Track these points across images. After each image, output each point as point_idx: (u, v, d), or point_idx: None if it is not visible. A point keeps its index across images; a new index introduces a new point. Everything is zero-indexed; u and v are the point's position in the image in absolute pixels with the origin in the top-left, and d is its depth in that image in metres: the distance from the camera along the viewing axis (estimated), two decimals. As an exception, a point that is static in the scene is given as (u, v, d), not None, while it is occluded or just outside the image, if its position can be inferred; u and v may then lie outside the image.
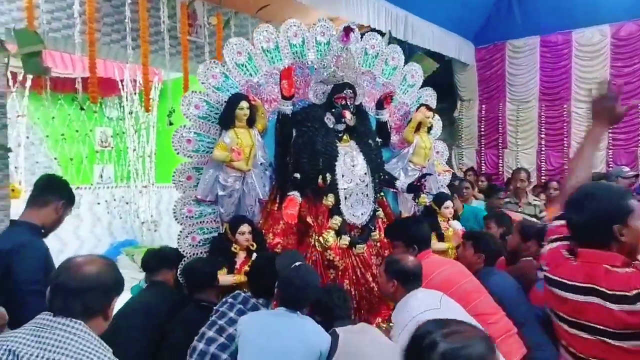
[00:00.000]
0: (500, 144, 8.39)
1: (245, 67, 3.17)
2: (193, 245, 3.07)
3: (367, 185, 3.20)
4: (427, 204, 3.70)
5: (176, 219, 3.04)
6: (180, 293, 2.91)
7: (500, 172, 8.29)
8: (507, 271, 3.06)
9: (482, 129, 8.58)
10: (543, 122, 7.97)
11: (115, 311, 1.61)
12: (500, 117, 8.34)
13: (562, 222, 1.69)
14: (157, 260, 2.96)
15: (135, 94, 6.81)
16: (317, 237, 3.03)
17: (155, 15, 4.60)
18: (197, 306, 2.58)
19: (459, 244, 3.28)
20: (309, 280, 2.22)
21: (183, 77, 4.71)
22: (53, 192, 2.34)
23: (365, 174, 3.19)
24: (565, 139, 7.78)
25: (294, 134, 3.16)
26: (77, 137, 7.70)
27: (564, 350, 1.63)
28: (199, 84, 3.11)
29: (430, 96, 4.02)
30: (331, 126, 3.15)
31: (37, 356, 1.29)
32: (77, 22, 3.89)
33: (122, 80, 6.53)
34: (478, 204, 5.16)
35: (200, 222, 3.10)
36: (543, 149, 8.01)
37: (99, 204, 7.92)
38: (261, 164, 3.16)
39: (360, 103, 3.38)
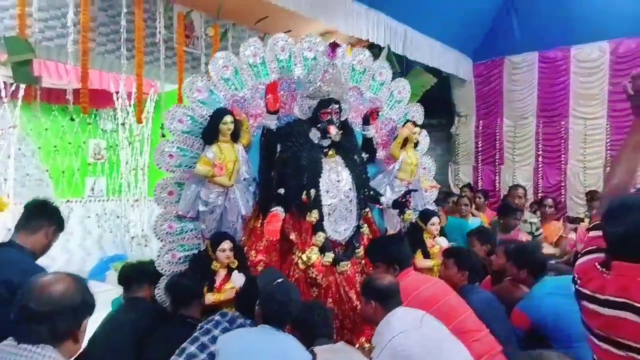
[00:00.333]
0: (497, 161, 8.34)
1: (231, 81, 3.13)
2: (173, 263, 2.98)
3: (351, 201, 3.17)
4: (413, 220, 3.67)
5: (156, 235, 2.96)
6: (160, 309, 2.82)
7: (497, 189, 8.22)
8: (491, 291, 3.04)
9: (479, 145, 8.54)
10: (540, 138, 7.93)
11: (90, 330, 1.49)
12: (497, 134, 8.29)
13: (598, 232, 1.60)
14: (135, 275, 2.88)
15: (130, 106, 6.71)
16: (300, 255, 2.98)
17: (151, 25, 4.53)
18: (181, 322, 2.49)
19: (443, 262, 3.23)
20: (291, 296, 2.19)
21: (178, 89, 4.63)
22: (44, 218, 2.37)
23: (350, 189, 3.16)
24: (562, 155, 7.73)
25: (279, 149, 3.14)
26: (70, 149, 7.57)
27: None
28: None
29: (417, 112, 4.02)
30: (316, 141, 3.13)
31: None
32: (70, 31, 3.79)
33: (117, 92, 6.43)
34: (474, 221, 5.08)
35: (181, 239, 3.03)
36: (540, 165, 7.96)
37: (89, 217, 7.76)
38: (244, 179, 3.11)
39: (346, 118, 3.36)
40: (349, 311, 3.02)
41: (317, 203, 3.02)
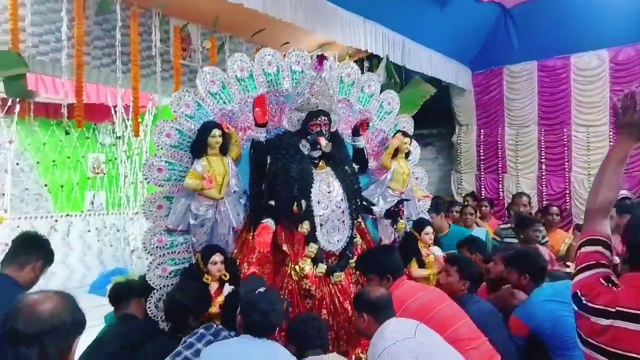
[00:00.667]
0: (499, 169, 8.27)
1: (219, 95, 3.14)
2: (163, 277, 2.95)
3: (343, 212, 3.17)
4: (406, 229, 3.68)
5: (146, 250, 2.94)
6: (151, 324, 2.79)
7: (501, 197, 8.14)
8: (488, 299, 3.03)
9: (481, 154, 8.47)
10: (543, 146, 7.86)
11: (82, 347, 1.43)
12: (499, 142, 8.24)
13: (594, 248, 1.60)
14: (124, 292, 2.87)
15: (128, 119, 6.69)
16: (293, 266, 2.97)
17: (147, 39, 4.51)
18: (171, 335, 2.46)
19: (441, 270, 3.24)
20: (274, 306, 2.16)
21: (175, 101, 4.59)
22: (33, 252, 2.36)
23: (342, 200, 3.17)
24: (565, 163, 7.66)
25: (269, 161, 3.14)
26: (69, 163, 7.55)
27: None
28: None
29: (407, 123, 4.05)
30: (306, 153, 3.15)
31: None
32: (64, 44, 3.76)
33: (115, 106, 6.42)
34: (479, 230, 5.01)
35: (172, 253, 3.00)
36: (543, 173, 7.88)
37: (89, 231, 7.73)
38: (235, 192, 3.10)
39: (336, 130, 3.39)
40: (344, 322, 3.00)
41: (308, 214, 3.01)
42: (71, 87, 5.29)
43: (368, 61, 7.33)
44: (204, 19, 5.01)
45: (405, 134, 3.76)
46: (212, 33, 5.19)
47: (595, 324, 1.47)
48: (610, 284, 1.50)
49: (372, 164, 3.76)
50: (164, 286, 2.92)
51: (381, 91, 6.37)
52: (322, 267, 2.98)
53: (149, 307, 2.83)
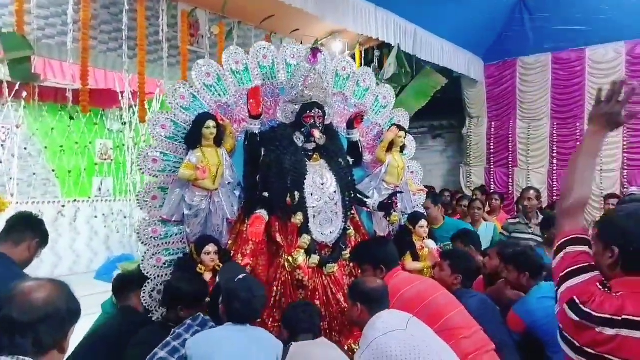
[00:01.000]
0: (510, 163, 8.17)
1: (214, 87, 3.17)
2: (158, 267, 2.97)
3: (336, 204, 3.21)
4: (401, 222, 3.72)
5: (140, 240, 2.96)
6: (150, 317, 2.83)
7: (510, 192, 8.04)
8: (484, 293, 3.04)
9: (492, 147, 8.37)
10: (555, 140, 7.75)
11: (80, 334, 1.41)
12: (510, 135, 8.13)
13: (581, 248, 1.53)
14: (125, 285, 2.89)
15: (135, 105, 6.66)
16: (286, 257, 3.01)
17: (155, 24, 4.46)
18: (162, 325, 2.48)
19: (435, 264, 3.28)
20: (255, 292, 2.20)
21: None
22: (28, 230, 2.38)
23: (335, 192, 3.20)
24: (578, 158, 7.54)
25: (263, 153, 3.17)
26: (77, 149, 7.55)
27: None
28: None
29: (402, 117, 4.06)
30: (300, 145, 3.18)
31: None
32: (70, 28, 3.72)
33: (122, 92, 6.38)
34: (487, 225, 4.93)
35: (166, 243, 3.02)
36: (555, 168, 7.77)
37: (96, 217, 7.74)
38: (229, 183, 3.13)
39: (331, 122, 3.42)
40: (336, 313, 3.03)
41: (301, 205, 3.04)
42: (79, 72, 5.27)
43: (379, 50, 7.24)
44: (212, 4, 4.94)
45: (400, 128, 3.77)
46: (221, 19, 5.12)
47: (600, 334, 1.38)
48: (606, 289, 1.44)
49: (367, 157, 3.79)
50: (158, 276, 2.95)
51: (392, 80, 6.35)
52: (315, 259, 3.01)
53: (143, 297, 2.86)
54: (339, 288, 3.06)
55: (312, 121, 3.13)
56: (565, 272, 1.50)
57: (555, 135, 7.72)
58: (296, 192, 3.02)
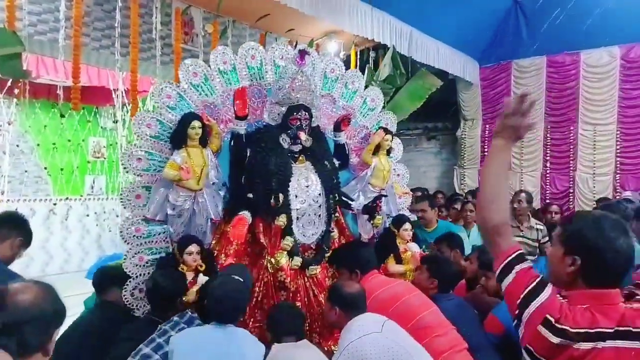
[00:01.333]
0: (504, 166, 8.18)
1: (201, 87, 3.17)
2: (140, 266, 2.97)
3: (320, 206, 3.21)
4: (385, 225, 3.73)
5: (123, 238, 2.94)
6: (131, 313, 2.83)
7: (504, 195, 8.05)
8: (464, 297, 3.07)
9: (486, 150, 8.38)
10: (548, 144, 7.78)
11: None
12: (504, 138, 8.14)
13: (527, 264, 1.49)
14: (107, 279, 2.89)
15: (129, 103, 6.62)
16: (269, 259, 3.03)
17: (148, 21, 4.43)
18: (147, 321, 2.49)
19: (416, 267, 3.30)
20: (233, 294, 2.22)
21: (176, 86, 4.51)
22: (12, 228, 2.41)
23: (320, 194, 3.20)
24: (571, 162, 7.58)
25: (248, 154, 3.17)
26: (69, 146, 7.49)
27: None
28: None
29: (390, 120, 4.06)
30: (286, 147, 3.18)
31: None
32: (62, 24, 3.68)
33: (115, 90, 6.34)
34: (478, 228, 4.93)
35: (149, 242, 3.01)
36: (548, 171, 7.80)
37: (88, 215, 7.68)
38: (214, 183, 3.13)
39: (317, 125, 3.42)
40: (317, 315, 3.04)
41: (285, 207, 3.05)
42: (71, 69, 5.23)
43: (374, 51, 7.23)
44: (207, 3, 4.91)
45: (386, 131, 3.78)
46: (215, 17, 5.10)
47: (577, 349, 1.36)
48: (565, 300, 1.42)
49: (354, 159, 3.80)
50: (141, 275, 2.95)
51: (386, 82, 6.34)
52: (297, 260, 3.02)
53: (124, 295, 2.85)
54: (320, 290, 3.07)
55: (298, 123, 3.14)
56: (526, 291, 1.45)
57: (549, 138, 7.75)
58: (280, 194, 3.02)
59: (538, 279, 1.46)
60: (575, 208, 7.39)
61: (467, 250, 3.86)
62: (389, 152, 3.86)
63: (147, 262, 2.98)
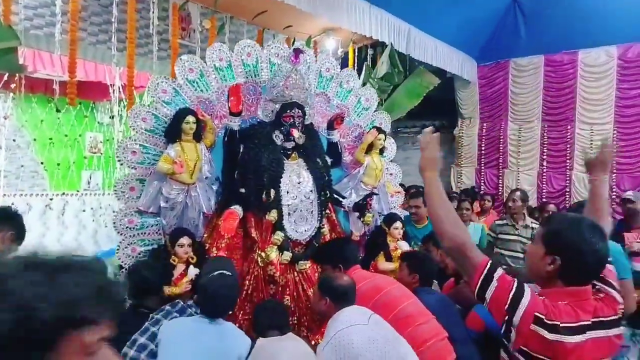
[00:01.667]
0: (500, 164, 8.19)
1: (197, 83, 3.23)
2: (133, 257, 3.06)
3: (312, 202, 3.28)
4: (376, 223, 3.80)
5: (116, 230, 3.03)
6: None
7: (500, 193, 8.06)
8: (449, 294, 3.14)
9: (483, 148, 8.40)
10: (545, 143, 7.78)
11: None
12: (501, 137, 8.15)
13: (502, 269, 1.58)
14: None
15: (125, 99, 6.59)
16: (259, 253, 3.10)
17: (145, 16, 4.41)
18: (135, 312, 2.51)
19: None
20: (221, 290, 2.24)
21: (173, 82, 4.49)
22: (4, 222, 2.40)
23: (311, 191, 3.27)
24: (567, 160, 7.58)
25: (241, 150, 3.23)
26: (66, 141, 7.45)
27: None
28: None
29: (383, 120, 4.15)
30: (279, 143, 3.25)
31: None
32: (58, 19, 3.67)
33: (112, 85, 6.31)
34: (475, 226, 4.95)
35: (142, 234, 3.11)
36: (545, 170, 7.81)
37: (84, 211, 7.65)
38: (207, 177, 3.19)
39: (311, 122, 3.49)
40: (306, 309, 3.10)
41: (276, 203, 3.12)
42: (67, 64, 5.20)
43: (372, 48, 7.23)
44: (204, -2, 4.89)
45: (380, 130, 3.83)
46: (213, 13, 5.08)
47: (569, 343, 1.44)
48: (542, 297, 1.52)
49: (347, 157, 3.86)
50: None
51: (384, 79, 6.34)
52: (287, 255, 3.10)
53: (126, 278, 2.88)
54: (310, 284, 3.13)
55: (291, 121, 3.20)
56: (511, 294, 1.50)
57: (545, 137, 7.75)
58: (272, 190, 3.09)
59: (516, 282, 1.53)
60: (572, 207, 7.41)
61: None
62: (382, 151, 3.92)
63: (139, 253, 3.06)
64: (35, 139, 7.17)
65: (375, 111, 4.10)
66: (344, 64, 7.11)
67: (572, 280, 1.53)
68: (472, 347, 2.64)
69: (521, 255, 4.14)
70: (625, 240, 3.64)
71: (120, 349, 2.15)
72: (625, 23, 6.66)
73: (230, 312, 2.42)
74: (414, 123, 9.43)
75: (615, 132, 7.14)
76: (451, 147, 9.15)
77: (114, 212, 7.76)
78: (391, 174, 4.22)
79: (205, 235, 3.20)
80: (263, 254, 3.05)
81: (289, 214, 3.17)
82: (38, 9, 3.86)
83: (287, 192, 3.17)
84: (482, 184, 8.31)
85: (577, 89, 7.38)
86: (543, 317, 1.45)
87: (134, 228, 3.06)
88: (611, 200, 6.30)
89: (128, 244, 3.05)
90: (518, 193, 4.80)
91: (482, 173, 8.38)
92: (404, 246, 3.68)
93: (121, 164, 3.06)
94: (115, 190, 3.03)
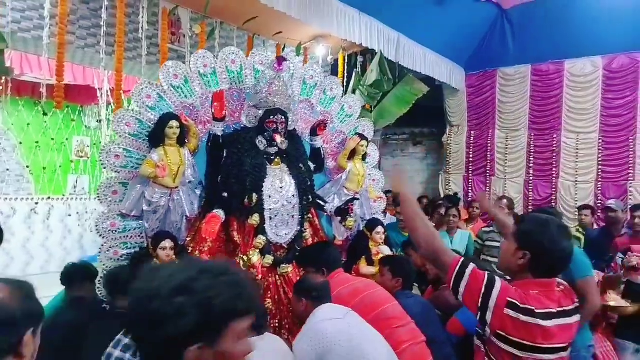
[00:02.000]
0: (488, 172, 8.26)
1: (181, 89, 3.27)
2: (115, 259, 3.08)
3: (294, 207, 3.34)
4: (356, 228, 3.88)
5: (98, 233, 3.05)
6: (101, 307, 2.88)
7: (488, 200, 8.11)
8: (428, 299, 3.25)
9: (471, 156, 8.45)
10: (532, 151, 7.86)
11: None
12: (489, 145, 8.22)
13: (472, 265, 1.77)
14: (78, 274, 2.96)
15: (113, 103, 6.55)
16: (241, 256, 3.15)
17: (135, 21, 4.39)
18: (115, 315, 2.53)
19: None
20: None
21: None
22: None
23: (293, 196, 3.33)
24: (554, 169, 7.66)
25: (225, 155, 3.29)
26: (53, 145, 7.39)
27: None
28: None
29: (366, 126, 4.23)
30: (262, 149, 3.30)
31: None
32: (47, 22, 3.64)
33: (100, 89, 6.28)
34: (462, 234, 4.99)
35: (124, 237, 3.13)
36: (531, 178, 7.88)
37: (70, 215, 7.58)
38: (190, 182, 3.23)
39: (294, 128, 3.57)
40: (287, 312, 3.14)
41: (259, 207, 3.18)
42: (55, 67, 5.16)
43: (362, 56, 7.26)
44: (194, 3, 4.89)
45: (362, 137, 3.90)
46: (203, 18, 5.07)
47: (541, 326, 1.64)
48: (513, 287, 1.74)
49: (330, 163, 3.93)
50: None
51: (374, 87, 6.38)
52: (269, 259, 3.16)
53: (98, 288, 2.93)
54: (291, 288, 3.15)
55: (274, 126, 3.25)
56: (484, 285, 1.70)
57: (532, 145, 7.82)
58: (254, 194, 3.14)
59: (487, 274, 1.74)
60: (558, 215, 7.48)
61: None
62: (364, 157, 3.99)
63: (121, 256, 3.08)
64: (21, 143, 7.12)
65: (359, 118, 4.16)
66: (334, 70, 7.14)
67: (540, 273, 1.74)
68: (450, 349, 2.72)
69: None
70: (630, 251, 3.71)
71: (101, 350, 2.18)
72: (610, 35, 6.78)
73: None
74: (403, 130, 9.49)
75: (600, 140, 7.24)
76: (440, 155, 9.21)
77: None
78: (373, 180, 4.29)
79: (188, 239, 3.24)
80: (245, 258, 3.11)
81: (270, 218, 3.22)
82: (26, 12, 3.83)
83: (270, 197, 3.23)
84: (470, 191, 8.37)
85: (564, 99, 7.47)
86: (517, 302, 1.65)
87: (116, 231, 3.08)
88: (596, 209, 6.39)
89: (110, 247, 3.07)
90: (505, 200, 4.86)
91: (470, 180, 8.44)
92: (386, 250, 3.73)
93: (104, 168, 3.09)
94: (98, 194, 3.06)
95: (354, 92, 6.55)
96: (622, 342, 3.36)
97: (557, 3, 6.90)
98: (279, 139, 3.23)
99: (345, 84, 6.86)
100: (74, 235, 7.73)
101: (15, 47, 3.85)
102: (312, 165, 3.62)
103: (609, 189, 7.21)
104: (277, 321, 3.12)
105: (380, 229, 3.78)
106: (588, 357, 2.93)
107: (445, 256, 1.79)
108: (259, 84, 3.29)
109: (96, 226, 3.05)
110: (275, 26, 5.68)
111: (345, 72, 7.13)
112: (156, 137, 3.04)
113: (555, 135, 7.60)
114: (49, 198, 7.41)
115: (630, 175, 7.08)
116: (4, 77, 4.09)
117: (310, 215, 3.54)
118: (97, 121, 6.95)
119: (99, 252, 3.06)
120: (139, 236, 3.16)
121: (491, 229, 4.68)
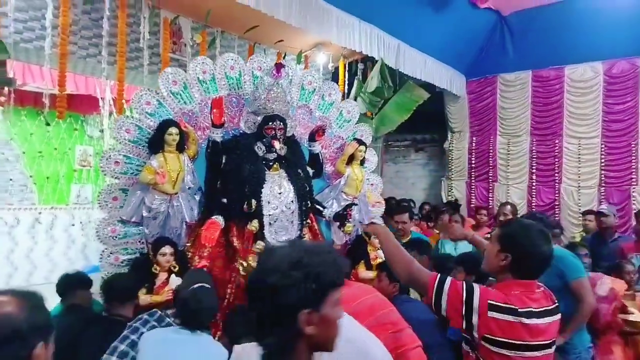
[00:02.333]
0: (490, 177, 8.24)
1: (180, 95, 3.29)
2: (115, 265, 3.11)
3: (292, 212, 3.35)
4: (354, 233, 3.87)
5: (99, 239, 3.07)
6: (96, 313, 2.89)
7: (491, 206, 8.09)
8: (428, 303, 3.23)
9: (473, 162, 8.44)
10: (534, 156, 7.85)
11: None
12: (491, 150, 8.21)
13: (450, 278, 1.86)
14: (71, 282, 2.95)
15: (116, 112, 6.59)
16: (240, 262, 3.15)
17: (136, 30, 4.43)
18: (111, 321, 2.55)
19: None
20: (203, 304, 2.30)
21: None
22: None
23: (292, 201, 3.34)
24: (556, 174, 7.64)
25: (224, 161, 3.30)
26: (56, 154, 7.42)
27: None
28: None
29: (365, 132, 4.26)
30: (261, 154, 3.32)
31: None
32: (49, 32, 3.68)
33: (102, 98, 6.31)
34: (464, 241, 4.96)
35: (125, 242, 3.15)
36: (534, 184, 7.86)
37: (73, 225, 7.59)
38: (189, 188, 3.25)
39: (293, 134, 3.58)
40: None
41: (257, 213, 3.19)
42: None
43: (362, 63, 7.29)
44: (195, 13, 4.93)
45: (360, 142, 3.93)
46: (204, 27, 5.11)
47: (525, 324, 1.70)
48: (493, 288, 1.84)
49: (329, 168, 3.96)
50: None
51: (375, 94, 6.39)
52: None
53: (100, 288, 2.90)
54: None
55: (273, 133, 3.27)
56: (464, 295, 1.77)
57: (534, 151, 7.81)
58: (253, 200, 3.15)
59: (465, 284, 1.82)
60: (561, 220, 7.44)
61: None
62: (363, 162, 4.02)
63: (122, 262, 3.11)
64: (24, 152, 7.15)
65: (357, 123, 4.18)
66: (334, 78, 7.16)
67: (520, 274, 1.83)
68: (449, 353, 2.70)
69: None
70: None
71: (99, 357, 2.18)
72: (610, 40, 6.78)
73: (211, 321, 2.48)
74: (405, 137, 9.50)
75: (602, 145, 7.23)
76: (441, 161, 9.20)
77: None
78: (372, 185, 4.31)
79: (188, 244, 3.26)
80: (244, 263, 3.10)
81: (270, 223, 3.23)
82: (28, 22, 3.87)
83: (269, 203, 3.24)
84: (473, 197, 8.35)
85: (564, 104, 7.47)
86: (499, 303, 1.73)
87: (116, 237, 3.10)
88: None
89: (111, 253, 3.10)
90: (509, 207, 4.86)
91: (473, 186, 8.42)
92: (384, 255, 3.74)
93: (104, 174, 3.12)
94: (99, 200, 3.09)
95: (355, 99, 6.57)
96: None
97: (557, 9, 6.91)
98: (277, 145, 3.26)
99: (346, 91, 6.88)
100: (77, 245, 7.74)
101: (18, 57, 3.89)
102: (310, 171, 3.64)
103: (612, 193, 7.18)
104: None
105: None
106: (588, 359, 2.93)
107: (422, 278, 1.88)
108: (257, 90, 3.31)
109: (97, 232, 3.07)
110: (276, 34, 5.72)
111: (346, 79, 7.16)
112: (156, 143, 3.06)
113: (557, 141, 7.59)
114: (52, 208, 7.43)
115: (634, 179, 7.06)
116: (6, 88, 4.12)
117: (309, 221, 3.56)
118: (100, 130, 6.98)
119: (100, 259, 3.08)
120: (139, 242, 3.19)
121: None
